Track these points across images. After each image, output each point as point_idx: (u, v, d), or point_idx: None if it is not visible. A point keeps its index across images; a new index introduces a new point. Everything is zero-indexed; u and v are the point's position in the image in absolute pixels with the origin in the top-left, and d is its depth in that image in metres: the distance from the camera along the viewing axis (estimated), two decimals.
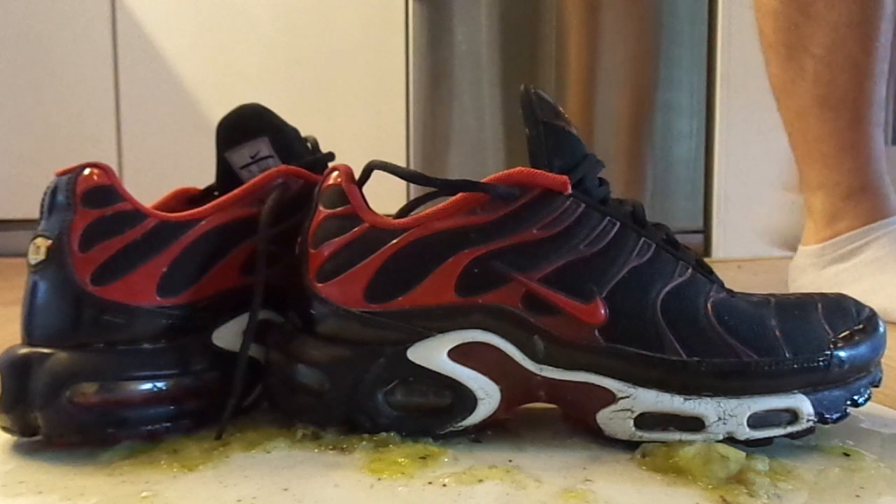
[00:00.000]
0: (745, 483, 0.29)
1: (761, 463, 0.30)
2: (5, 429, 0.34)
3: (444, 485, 0.29)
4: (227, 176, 0.43)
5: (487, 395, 0.34)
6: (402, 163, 1.89)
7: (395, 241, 0.34)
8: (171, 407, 0.34)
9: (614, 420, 0.33)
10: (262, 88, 1.90)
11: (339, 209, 0.35)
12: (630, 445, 0.33)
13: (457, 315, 0.34)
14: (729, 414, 0.32)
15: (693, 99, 1.69)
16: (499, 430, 0.36)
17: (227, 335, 0.37)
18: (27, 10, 1.87)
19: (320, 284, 0.35)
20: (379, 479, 0.30)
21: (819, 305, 0.35)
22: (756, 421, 0.32)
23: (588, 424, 0.34)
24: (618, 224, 0.34)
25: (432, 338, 0.34)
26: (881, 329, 0.35)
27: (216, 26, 1.90)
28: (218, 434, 0.35)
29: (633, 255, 0.34)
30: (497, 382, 0.34)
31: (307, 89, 1.92)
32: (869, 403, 0.35)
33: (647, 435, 0.33)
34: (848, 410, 0.34)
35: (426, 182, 0.35)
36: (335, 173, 0.37)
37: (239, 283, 0.37)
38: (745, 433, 0.32)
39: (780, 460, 0.32)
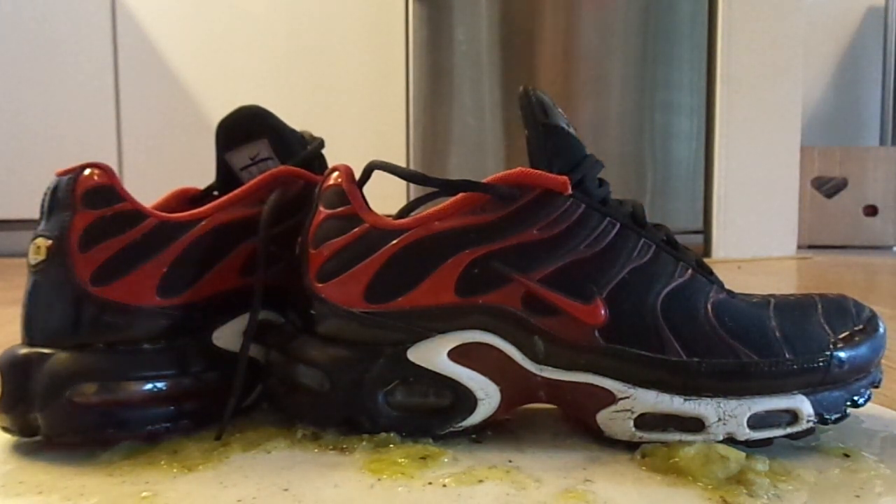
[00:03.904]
0: (745, 483, 0.29)
1: (761, 463, 0.30)
2: (5, 429, 0.34)
3: (444, 485, 0.29)
4: (227, 176, 0.43)
5: (487, 395, 0.34)
6: (402, 163, 1.90)
7: (395, 241, 0.34)
8: (171, 407, 0.34)
9: (614, 420, 0.33)
10: (262, 89, 1.90)
11: (339, 209, 0.35)
12: (630, 446, 0.33)
13: (457, 315, 0.34)
14: (729, 414, 0.32)
15: (693, 99, 1.69)
16: (499, 430, 0.36)
17: (227, 335, 0.37)
18: (27, 10, 1.87)
19: (320, 285, 0.35)
20: (379, 480, 0.30)
21: (819, 306, 0.35)
22: (756, 421, 0.32)
23: (588, 425, 0.34)
24: (618, 225, 0.34)
25: (432, 338, 0.34)
26: (881, 330, 0.35)
27: (216, 26, 1.90)
28: (218, 434, 0.35)
29: (633, 255, 0.34)
30: (497, 383, 0.34)
31: (307, 89, 1.92)
32: (869, 404, 0.35)
33: (647, 435, 0.33)
34: (848, 411, 0.34)
35: (426, 182, 0.35)
36: (335, 174, 0.37)
37: (239, 283, 0.37)
38: (745, 434, 0.32)
39: (780, 461, 0.32)
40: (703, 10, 1.68)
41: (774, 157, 1.76)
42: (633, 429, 0.33)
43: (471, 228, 0.33)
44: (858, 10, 2.46)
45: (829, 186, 2.16)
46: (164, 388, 0.34)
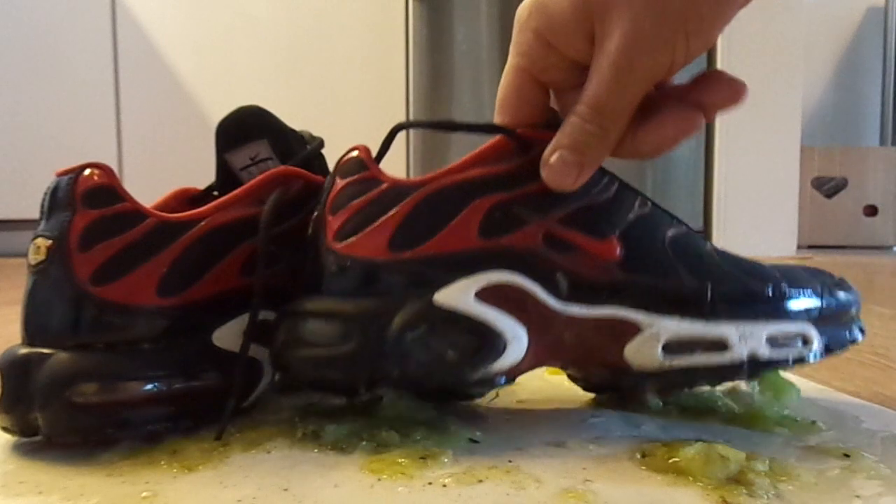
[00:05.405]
0: (745, 483, 0.29)
1: (761, 463, 0.30)
2: (5, 429, 0.34)
3: (444, 485, 0.29)
4: (227, 176, 0.43)
5: (516, 337, 0.34)
6: (401, 161, 1.90)
7: (416, 192, 0.35)
8: (171, 407, 0.34)
9: (642, 350, 0.34)
10: (262, 89, 1.90)
11: (357, 175, 0.35)
12: (630, 445, 0.33)
13: (482, 258, 0.34)
14: (749, 333, 0.34)
15: None
16: (499, 430, 0.36)
17: (227, 335, 0.37)
18: (27, 11, 1.87)
19: (341, 244, 0.35)
20: (379, 480, 0.30)
21: (801, 269, 0.39)
22: (773, 343, 0.34)
23: (614, 365, 0.35)
24: (617, 182, 0.36)
25: (458, 280, 0.34)
26: (853, 288, 0.39)
27: (216, 26, 1.90)
28: (218, 434, 0.35)
29: (635, 206, 0.36)
30: (524, 323, 0.34)
31: (307, 89, 1.92)
32: (869, 404, 0.35)
33: (675, 361, 0.34)
34: (848, 345, 0.37)
35: (454, 128, 0.38)
36: (354, 152, 0.36)
37: (239, 283, 0.37)
38: (766, 353, 0.34)
39: (780, 460, 0.32)
40: None
41: (774, 157, 1.76)
42: (662, 356, 0.34)
43: (490, 177, 0.35)
44: (858, 10, 2.46)
45: (829, 186, 2.17)
46: (164, 388, 0.34)
